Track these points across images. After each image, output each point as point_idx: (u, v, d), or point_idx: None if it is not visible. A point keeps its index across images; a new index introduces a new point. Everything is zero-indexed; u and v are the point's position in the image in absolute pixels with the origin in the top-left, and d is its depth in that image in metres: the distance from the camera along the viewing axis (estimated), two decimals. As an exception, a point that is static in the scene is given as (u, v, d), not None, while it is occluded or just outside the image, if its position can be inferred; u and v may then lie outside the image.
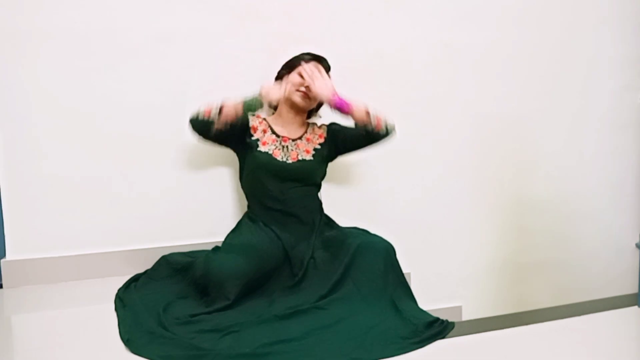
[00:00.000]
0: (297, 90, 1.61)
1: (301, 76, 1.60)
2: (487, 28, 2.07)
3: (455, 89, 2.06)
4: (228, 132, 1.56)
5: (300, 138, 1.66)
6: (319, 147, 1.67)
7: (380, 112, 1.56)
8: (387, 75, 1.97)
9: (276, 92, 1.58)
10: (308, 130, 1.70)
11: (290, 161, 1.61)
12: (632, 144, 2.35)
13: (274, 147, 1.62)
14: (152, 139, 1.74)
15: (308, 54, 1.66)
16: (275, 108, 1.73)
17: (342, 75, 1.83)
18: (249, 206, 1.68)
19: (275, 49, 1.68)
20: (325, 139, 1.69)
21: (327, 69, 1.67)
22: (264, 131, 1.64)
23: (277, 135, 1.64)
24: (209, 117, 1.51)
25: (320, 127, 1.72)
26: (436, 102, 2.04)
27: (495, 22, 2.08)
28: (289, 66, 1.65)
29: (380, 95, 1.96)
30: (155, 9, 1.70)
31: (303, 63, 1.61)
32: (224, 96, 1.55)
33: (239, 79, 1.79)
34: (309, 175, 1.65)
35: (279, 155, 1.61)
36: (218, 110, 1.51)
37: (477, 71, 2.08)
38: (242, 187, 1.69)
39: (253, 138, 1.62)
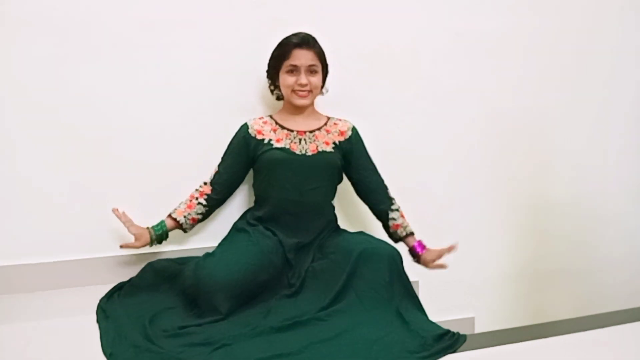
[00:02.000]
0: (293, 92, 1.61)
1: (291, 72, 1.60)
2: (503, 15, 2.08)
3: (467, 81, 2.07)
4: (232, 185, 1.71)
5: (319, 129, 1.67)
6: (338, 143, 1.66)
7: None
8: (395, 67, 1.98)
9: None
10: (328, 123, 1.70)
11: (310, 153, 1.61)
12: (659, 140, 2.35)
13: (289, 141, 1.62)
14: (138, 137, 1.74)
15: (291, 37, 1.60)
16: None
17: (347, 68, 1.82)
18: (253, 210, 1.68)
19: (271, 37, 1.67)
20: (346, 139, 1.68)
21: (318, 48, 1.63)
22: (273, 130, 1.64)
23: (290, 130, 1.64)
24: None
25: (344, 123, 1.71)
26: (447, 96, 2.05)
27: (511, 8, 2.09)
28: (276, 64, 1.63)
29: (388, 89, 1.97)
30: (141, -5, 1.70)
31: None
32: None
33: (230, 69, 1.79)
34: (331, 168, 1.64)
35: (297, 149, 1.61)
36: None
37: (491, 62, 2.09)
38: (255, 191, 1.70)
39: (264, 141, 1.62)
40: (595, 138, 2.28)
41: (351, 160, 1.69)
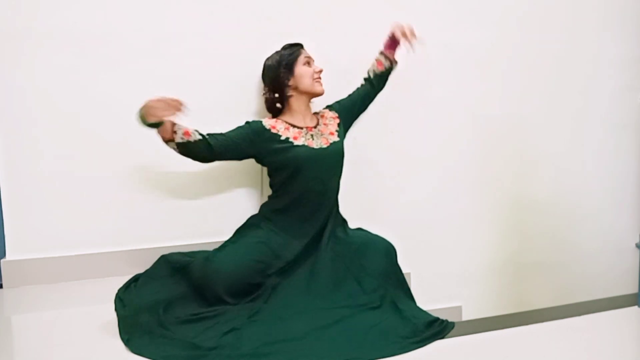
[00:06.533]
0: (315, 80, 1.62)
1: (308, 64, 1.62)
2: (489, 29, 2.07)
3: (456, 89, 2.06)
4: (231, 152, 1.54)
5: (319, 124, 1.66)
6: (338, 128, 1.67)
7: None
8: (390, 76, 1.97)
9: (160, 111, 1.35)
10: (321, 119, 1.69)
11: (324, 146, 1.60)
12: (632, 144, 2.36)
13: (304, 138, 1.60)
14: (152, 138, 1.73)
15: (287, 45, 1.65)
16: (280, 111, 1.67)
17: (342, 76, 1.82)
18: (271, 203, 1.63)
19: (273, 48, 1.67)
20: (339, 118, 1.69)
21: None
22: (286, 128, 1.60)
23: (300, 128, 1.61)
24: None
25: (328, 111, 1.71)
26: (437, 103, 2.04)
27: (496, 23, 2.08)
28: (288, 66, 1.60)
29: (383, 96, 1.97)
30: (154, 10, 1.70)
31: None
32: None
33: (236, 77, 1.79)
34: (342, 156, 1.65)
35: (313, 144, 1.59)
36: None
37: (478, 72, 2.08)
38: (274, 186, 1.63)
39: (282, 138, 1.56)
40: (573, 142, 2.28)
41: (353, 111, 1.74)
